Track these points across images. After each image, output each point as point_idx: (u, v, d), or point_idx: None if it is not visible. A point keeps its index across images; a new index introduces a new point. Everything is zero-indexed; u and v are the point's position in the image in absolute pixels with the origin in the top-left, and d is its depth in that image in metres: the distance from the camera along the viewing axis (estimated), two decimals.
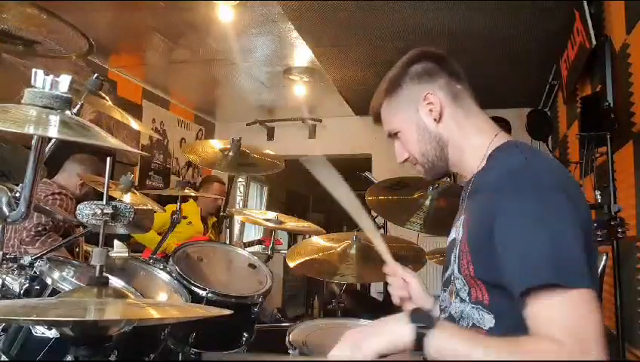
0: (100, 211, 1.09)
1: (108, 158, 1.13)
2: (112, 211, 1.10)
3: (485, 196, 0.94)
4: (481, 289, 0.93)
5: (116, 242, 1.61)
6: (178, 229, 3.54)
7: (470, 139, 1.05)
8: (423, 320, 0.82)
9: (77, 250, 2.64)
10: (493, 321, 0.91)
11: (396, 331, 0.84)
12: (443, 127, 1.05)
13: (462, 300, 0.98)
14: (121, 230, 1.24)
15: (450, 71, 1.07)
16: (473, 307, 0.95)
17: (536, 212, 0.83)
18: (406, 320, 0.83)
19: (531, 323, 0.80)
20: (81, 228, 2.45)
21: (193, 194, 2.70)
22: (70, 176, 2.72)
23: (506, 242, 0.85)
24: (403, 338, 0.82)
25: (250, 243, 4.35)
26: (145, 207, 1.20)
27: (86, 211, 1.10)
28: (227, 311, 1.07)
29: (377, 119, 1.17)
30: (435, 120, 1.05)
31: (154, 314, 1.00)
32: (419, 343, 0.81)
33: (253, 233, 7.15)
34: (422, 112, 1.06)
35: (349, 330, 0.91)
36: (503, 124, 2.96)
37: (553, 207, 0.83)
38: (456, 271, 0.99)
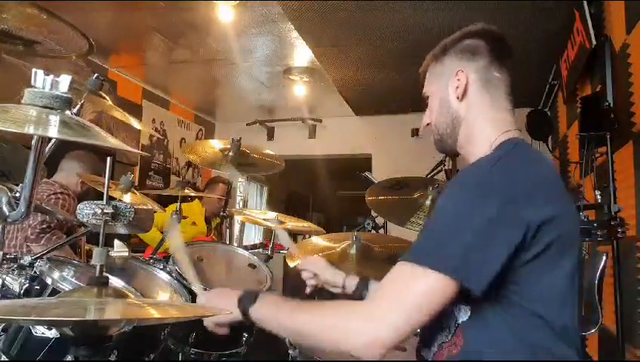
0: (100, 211, 1.09)
1: (108, 158, 1.13)
2: (112, 211, 1.10)
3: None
4: None
5: (116, 241, 1.61)
6: (183, 230, 3.56)
7: (484, 127, 1.05)
8: (246, 300, 1.08)
9: (79, 249, 2.64)
10: (469, 313, 0.93)
11: (232, 309, 1.08)
12: (463, 106, 1.07)
13: None
14: (121, 230, 1.24)
15: (496, 56, 1.07)
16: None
17: (446, 202, 0.93)
18: (235, 301, 1.09)
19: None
20: (82, 227, 2.46)
21: (193, 194, 2.70)
22: (69, 174, 2.71)
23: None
24: (236, 314, 1.08)
25: (253, 246, 4.36)
26: (145, 207, 1.20)
27: (86, 211, 1.10)
28: (227, 311, 1.07)
29: (423, 80, 1.19)
30: (457, 97, 1.07)
31: (154, 313, 1.00)
32: (245, 317, 1.07)
33: (253, 233, 7.15)
34: (450, 86, 1.08)
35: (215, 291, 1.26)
36: None
37: (464, 202, 0.89)
38: None
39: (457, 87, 1.06)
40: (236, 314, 1.08)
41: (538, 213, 0.87)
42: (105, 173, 1.10)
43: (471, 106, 1.06)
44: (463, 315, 0.93)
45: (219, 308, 1.09)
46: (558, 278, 0.91)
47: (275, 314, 1.02)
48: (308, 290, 1.45)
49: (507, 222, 0.86)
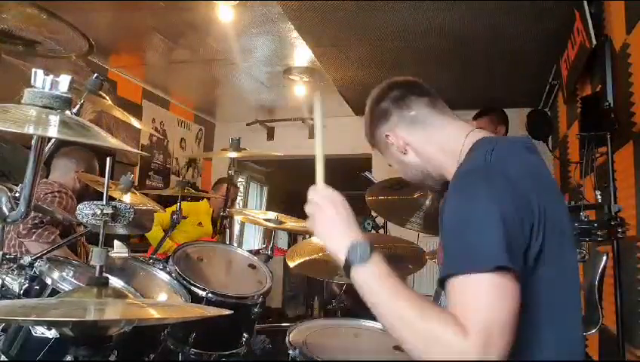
0: (99, 211, 1.09)
1: (108, 158, 1.13)
2: (111, 211, 1.10)
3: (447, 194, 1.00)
4: None
5: (116, 242, 1.61)
6: (187, 229, 3.56)
7: (443, 150, 1.11)
8: (356, 255, 0.89)
9: (79, 249, 2.63)
10: None
11: (336, 252, 0.93)
12: (413, 155, 1.15)
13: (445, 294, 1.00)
14: (121, 230, 1.24)
15: (400, 101, 1.15)
16: None
17: (467, 204, 0.89)
18: (344, 249, 0.91)
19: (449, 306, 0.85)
20: (82, 227, 2.45)
21: (193, 194, 2.70)
22: (64, 172, 2.67)
23: (443, 230, 0.92)
24: (339, 261, 0.92)
25: (257, 253, 4.37)
26: (145, 207, 1.20)
27: (86, 211, 1.10)
28: (226, 311, 1.07)
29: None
30: (403, 152, 1.15)
31: (154, 314, 1.00)
32: (345, 270, 0.91)
33: (253, 233, 7.15)
34: (392, 149, 1.18)
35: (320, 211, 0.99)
36: (498, 114, 2.95)
37: (487, 198, 0.87)
38: (439, 267, 1.03)
39: (396, 147, 1.15)
40: (336, 257, 0.93)
41: (539, 201, 0.89)
42: (100, 170, 1.10)
43: (418, 149, 1.14)
44: None
45: (319, 234, 0.96)
46: (560, 276, 0.91)
47: (378, 287, 0.87)
48: None
49: (523, 208, 0.87)
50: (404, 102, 1.14)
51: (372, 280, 0.88)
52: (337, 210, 0.96)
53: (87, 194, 2.61)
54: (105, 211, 1.09)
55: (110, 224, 1.12)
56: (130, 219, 1.13)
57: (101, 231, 1.09)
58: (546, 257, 0.89)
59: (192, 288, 1.77)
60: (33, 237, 2.36)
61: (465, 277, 0.82)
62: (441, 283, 0.88)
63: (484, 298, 0.80)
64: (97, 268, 1.04)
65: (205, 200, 3.77)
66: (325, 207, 0.97)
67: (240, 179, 5.03)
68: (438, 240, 1.10)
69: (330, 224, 0.96)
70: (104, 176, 1.14)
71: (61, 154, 2.70)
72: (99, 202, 1.11)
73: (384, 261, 0.90)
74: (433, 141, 1.12)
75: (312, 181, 1.06)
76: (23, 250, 2.40)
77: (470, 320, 0.78)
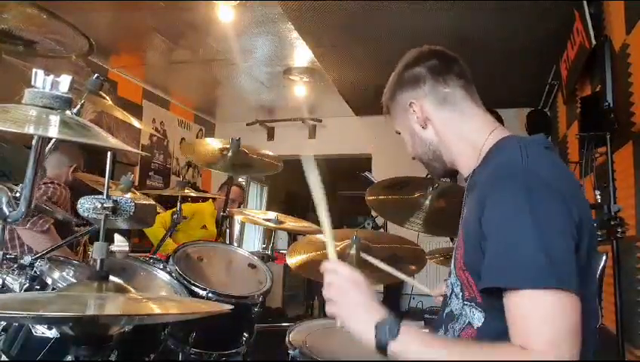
0: (100, 205, 1.08)
1: (109, 153, 1.13)
2: (112, 205, 1.10)
3: (479, 191, 0.94)
4: (471, 286, 0.93)
5: (116, 236, 1.61)
6: (191, 233, 3.56)
7: (465, 139, 1.05)
8: (385, 332, 0.84)
9: (78, 247, 2.62)
10: (483, 319, 0.91)
11: (362, 336, 0.87)
12: (431, 132, 1.08)
13: (457, 297, 0.99)
14: (123, 225, 1.24)
15: (439, 74, 1.07)
16: (466, 304, 0.95)
17: (519, 210, 0.83)
18: (371, 330, 0.85)
19: (509, 321, 0.82)
20: (80, 226, 2.44)
21: (193, 195, 2.70)
22: (56, 166, 2.66)
23: (488, 236, 0.86)
24: (368, 343, 0.86)
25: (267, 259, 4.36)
26: (146, 202, 1.20)
27: (87, 205, 1.10)
28: (228, 306, 1.06)
29: (389, 114, 1.20)
30: (422, 126, 1.09)
31: (155, 308, 0.99)
32: (380, 350, 0.84)
33: (253, 233, 7.15)
34: (411, 119, 1.10)
35: (338, 293, 0.94)
36: (495, 116, 2.96)
37: (539, 207, 0.83)
38: (452, 267, 1.00)
39: (417, 118, 1.08)
40: (362, 338, 0.87)
41: (576, 211, 0.85)
42: (100, 167, 1.10)
43: (439, 128, 1.07)
44: (477, 321, 0.92)
45: (344, 319, 0.90)
46: (584, 284, 0.85)
47: (425, 351, 0.83)
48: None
49: (563, 222, 0.83)
50: (441, 76, 1.06)
51: (416, 346, 0.83)
52: (361, 290, 0.91)
53: (79, 188, 2.60)
54: (105, 205, 1.09)
55: (111, 218, 1.11)
56: (131, 213, 1.13)
57: (102, 225, 1.09)
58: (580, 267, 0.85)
59: (193, 288, 1.77)
60: (27, 225, 2.32)
61: (531, 293, 0.78)
62: (486, 290, 0.84)
63: (550, 314, 0.77)
64: (98, 261, 1.03)
65: (210, 201, 3.77)
66: (349, 289, 0.92)
67: (240, 179, 5.03)
68: (456, 240, 1.04)
69: (355, 307, 0.90)
70: (101, 174, 1.14)
71: (53, 150, 2.68)
72: (99, 196, 1.11)
73: (410, 324, 0.87)
74: (458, 127, 1.06)
75: None
76: (25, 249, 2.40)
77: (533, 338, 0.77)
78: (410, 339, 0.83)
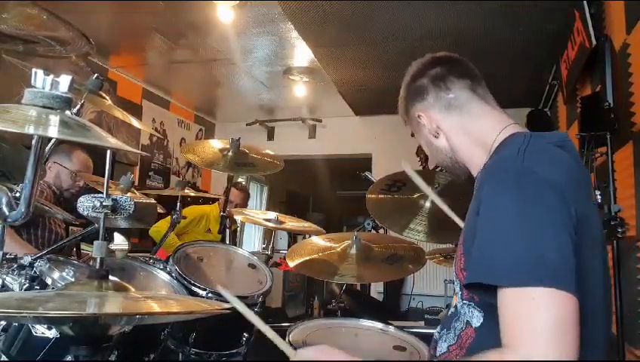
0: (99, 204, 1.08)
1: (108, 152, 1.12)
2: (111, 204, 1.10)
3: (479, 188, 0.93)
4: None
5: (116, 235, 1.60)
6: (197, 235, 3.56)
7: (475, 140, 1.05)
8: None
9: (74, 248, 2.61)
10: (482, 319, 0.91)
11: None
12: (444, 139, 1.09)
13: (459, 296, 0.99)
14: (122, 223, 1.23)
15: (439, 81, 1.07)
16: (465, 303, 0.95)
17: (507, 206, 0.82)
18: None
19: (501, 320, 0.79)
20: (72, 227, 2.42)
21: (193, 194, 2.70)
22: (57, 171, 2.65)
23: (477, 231, 0.85)
24: None
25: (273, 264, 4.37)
26: (146, 200, 1.20)
27: (86, 204, 1.10)
28: (228, 305, 1.06)
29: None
30: (435, 136, 1.09)
31: (155, 307, 0.99)
32: None
33: (253, 233, 7.15)
34: (423, 131, 1.11)
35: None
36: None
37: (529, 203, 0.81)
38: (454, 267, 1.00)
39: (429, 129, 1.09)
40: None
41: (576, 210, 0.83)
42: (100, 166, 1.10)
43: (450, 135, 1.08)
44: (476, 321, 0.92)
45: None
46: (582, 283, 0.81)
47: None
48: None
49: (559, 220, 0.81)
50: (443, 83, 1.07)
51: None
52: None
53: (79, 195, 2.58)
54: (105, 203, 1.08)
55: (110, 217, 1.11)
56: (131, 212, 1.13)
57: (101, 223, 1.09)
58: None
59: (193, 288, 1.77)
60: None
61: (514, 291, 0.76)
62: (469, 286, 0.83)
63: (533, 313, 0.74)
64: (97, 260, 1.03)
65: (216, 204, 3.78)
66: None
67: (240, 179, 5.04)
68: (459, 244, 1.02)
69: None
70: (102, 175, 1.14)
71: (56, 152, 2.66)
72: (99, 195, 1.11)
73: None
74: (467, 130, 1.05)
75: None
76: None
77: (515, 336, 0.75)
78: None
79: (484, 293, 0.83)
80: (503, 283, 0.77)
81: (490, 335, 0.87)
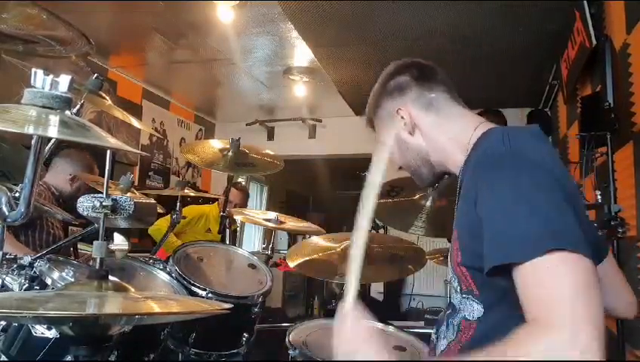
0: (99, 204, 1.08)
1: (108, 152, 1.12)
2: (111, 204, 1.10)
3: (467, 181, 0.95)
4: (467, 279, 0.93)
5: (116, 235, 1.60)
6: (197, 235, 3.56)
7: (453, 139, 1.07)
8: None
9: (71, 248, 2.60)
10: (482, 311, 0.91)
11: None
12: (419, 138, 1.10)
13: (456, 291, 0.99)
14: (122, 223, 1.23)
15: (423, 80, 1.10)
16: (464, 297, 0.95)
17: (509, 186, 0.83)
18: None
19: (522, 299, 0.77)
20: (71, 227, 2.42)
21: (193, 194, 2.70)
22: (58, 173, 2.63)
23: (484, 219, 0.84)
24: None
25: (273, 264, 4.37)
26: (146, 200, 1.20)
27: (86, 204, 1.10)
28: (228, 305, 1.06)
29: (373, 129, 1.23)
30: (409, 133, 1.11)
31: (155, 307, 0.99)
32: None
33: (253, 233, 7.15)
34: (398, 127, 1.12)
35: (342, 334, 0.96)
36: (499, 117, 2.95)
37: (527, 180, 0.82)
38: (449, 264, 1.01)
39: (405, 124, 1.10)
40: None
41: (566, 184, 0.85)
42: (101, 170, 1.10)
43: (427, 133, 1.10)
44: (476, 313, 0.92)
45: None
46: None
47: None
48: None
49: (558, 190, 0.82)
50: (426, 82, 1.10)
51: None
52: (369, 354, 0.89)
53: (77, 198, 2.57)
54: (105, 203, 1.08)
55: (110, 217, 1.11)
56: (131, 212, 1.13)
57: (101, 223, 1.09)
58: None
59: (193, 288, 1.77)
60: None
61: (533, 262, 0.74)
62: (490, 273, 0.80)
63: (557, 278, 0.72)
64: (97, 260, 1.03)
65: (216, 204, 3.78)
66: (357, 349, 0.91)
67: (240, 179, 5.04)
68: (452, 240, 1.02)
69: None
70: (102, 175, 1.14)
71: (61, 156, 2.65)
72: (98, 195, 1.11)
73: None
74: (444, 129, 1.08)
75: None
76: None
77: (554, 312, 0.71)
78: None
79: (488, 287, 0.84)
80: (516, 259, 0.76)
81: (490, 327, 0.88)
